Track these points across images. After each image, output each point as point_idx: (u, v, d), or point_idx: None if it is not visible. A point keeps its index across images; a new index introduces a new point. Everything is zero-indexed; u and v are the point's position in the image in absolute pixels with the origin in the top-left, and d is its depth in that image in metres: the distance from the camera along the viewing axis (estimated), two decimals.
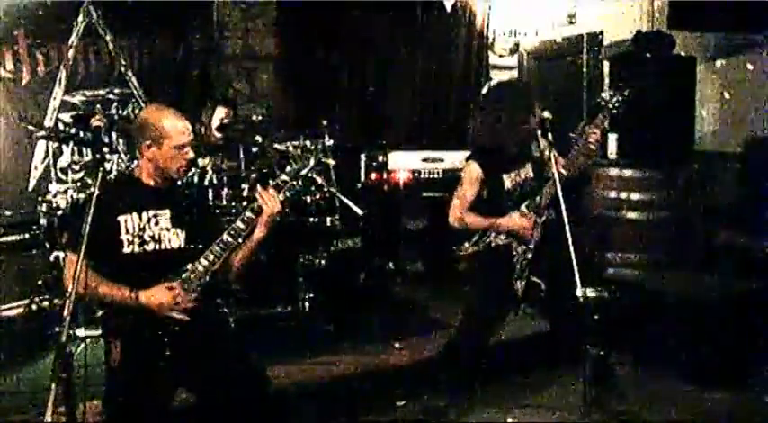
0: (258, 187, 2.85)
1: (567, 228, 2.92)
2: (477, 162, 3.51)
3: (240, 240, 2.77)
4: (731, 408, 3.75)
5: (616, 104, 3.45)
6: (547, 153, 3.41)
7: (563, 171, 3.32)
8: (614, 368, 3.87)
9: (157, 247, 2.75)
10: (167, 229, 2.78)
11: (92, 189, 2.41)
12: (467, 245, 3.57)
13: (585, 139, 3.42)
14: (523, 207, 3.51)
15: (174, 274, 2.70)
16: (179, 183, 3.01)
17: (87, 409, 2.65)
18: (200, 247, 2.77)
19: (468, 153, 3.66)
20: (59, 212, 4.56)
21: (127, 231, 2.72)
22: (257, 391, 2.78)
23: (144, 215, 2.75)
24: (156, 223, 2.76)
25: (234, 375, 2.74)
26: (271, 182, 2.87)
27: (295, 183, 2.86)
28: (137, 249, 2.72)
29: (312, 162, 2.94)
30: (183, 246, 2.79)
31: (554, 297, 3.62)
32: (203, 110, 5.05)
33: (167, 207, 2.80)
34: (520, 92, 3.94)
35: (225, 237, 2.74)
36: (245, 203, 4.22)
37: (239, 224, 2.76)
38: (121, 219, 2.71)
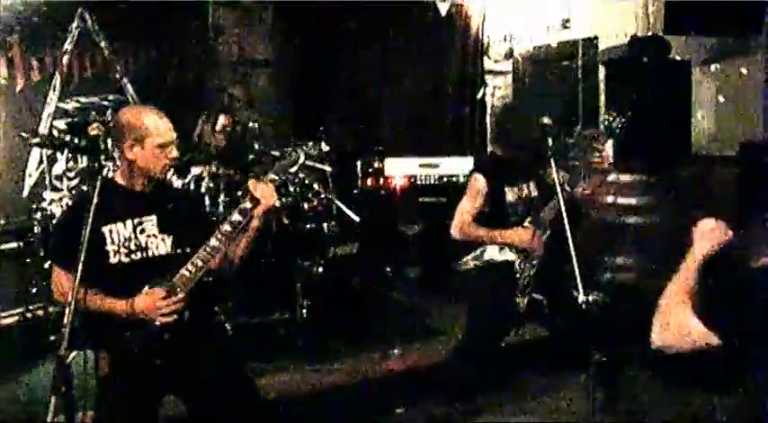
0: (250, 181, 2.71)
1: (570, 240, 2.90)
2: (482, 174, 3.51)
3: (237, 233, 2.66)
4: (732, 410, 3.74)
5: (619, 125, 3.43)
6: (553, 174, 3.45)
7: (567, 188, 3.33)
8: (619, 372, 3.85)
9: (144, 255, 2.65)
10: (154, 236, 2.67)
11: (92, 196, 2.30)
12: (467, 258, 3.53)
13: (588, 162, 3.40)
14: (526, 223, 3.48)
15: (164, 278, 2.60)
16: (168, 185, 2.91)
17: (86, 418, 2.61)
18: (187, 251, 2.67)
19: (462, 158, 3.66)
20: (54, 220, 4.53)
21: (113, 242, 2.62)
22: (246, 399, 2.74)
23: (129, 223, 2.65)
24: (143, 231, 2.66)
25: (223, 384, 2.69)
26: (263, 176, 2.75)
27: (284, 178, 2.80)
28: (123, 259, 2.62)
29: (302, 158, 2.86)
30: (170, 252, 2.68)
31: (555, 308, 3.60)
32: (202, 117, 5.02)
33: (153, 212, 2.69)
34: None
35: (224, 227, 2.63)
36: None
37: (236, 217, 2.64)
38: (106, 229, 2.60)
